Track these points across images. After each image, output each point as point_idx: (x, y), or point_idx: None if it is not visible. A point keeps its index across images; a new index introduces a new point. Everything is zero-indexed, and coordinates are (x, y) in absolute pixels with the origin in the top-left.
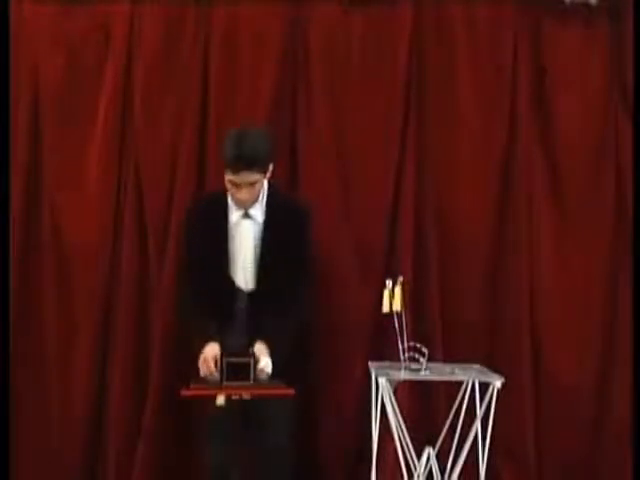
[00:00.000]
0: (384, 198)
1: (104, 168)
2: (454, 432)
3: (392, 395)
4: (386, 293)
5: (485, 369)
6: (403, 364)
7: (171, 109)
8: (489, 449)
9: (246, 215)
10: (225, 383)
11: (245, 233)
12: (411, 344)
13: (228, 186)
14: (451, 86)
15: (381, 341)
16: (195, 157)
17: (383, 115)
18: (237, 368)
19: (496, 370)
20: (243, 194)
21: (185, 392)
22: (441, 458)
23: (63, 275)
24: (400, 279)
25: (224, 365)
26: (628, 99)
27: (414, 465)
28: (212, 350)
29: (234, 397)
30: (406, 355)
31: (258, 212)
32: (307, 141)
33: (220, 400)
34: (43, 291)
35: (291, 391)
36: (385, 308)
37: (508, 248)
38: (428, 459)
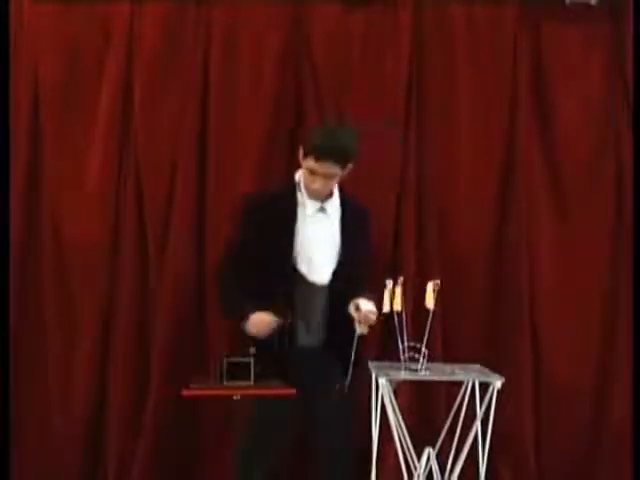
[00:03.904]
0: (385, 198)
1: (104, 168)
2: (454, 432)
3: (392, 395)
4: (386, 293)
5: (485, 369)
6: (403, 364)
7: (171, 109)
8: (489, 449)
9: (321, 209)
10: (225, 383)
11: (320, 226)
12: (411, 344)
13: (305, 174)
14: (451, 86)
15: (381, 341)
16: (195, 157)
17: (383, 115)
18: (237, 368)
19: (496, 370)
20: (317, 184)
21: (186, 392)
22: (441, 458)
23: (63, 275)
24: (400, 279)
25: (224, 365)
26: (628, 99)
27: (414, 465)
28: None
29: (235, 397)
30: (406, 355)
31: (332, 208)
32: None
33: None
34: (43, 291)
35: (292, 391)
36: (385, 308)
37: (508, 248)
38: (428, 459)
